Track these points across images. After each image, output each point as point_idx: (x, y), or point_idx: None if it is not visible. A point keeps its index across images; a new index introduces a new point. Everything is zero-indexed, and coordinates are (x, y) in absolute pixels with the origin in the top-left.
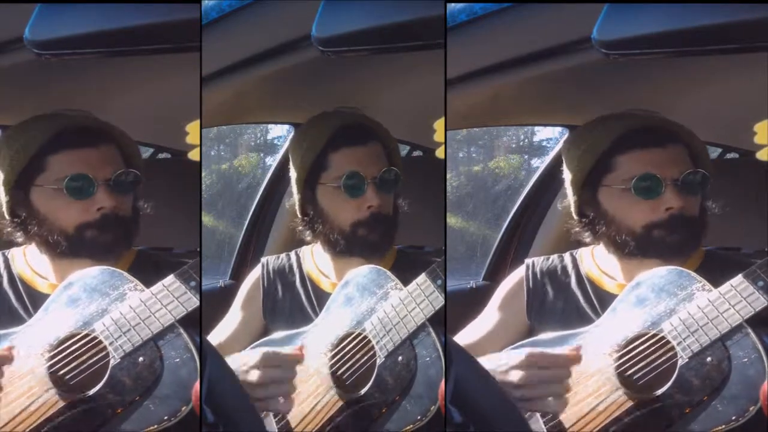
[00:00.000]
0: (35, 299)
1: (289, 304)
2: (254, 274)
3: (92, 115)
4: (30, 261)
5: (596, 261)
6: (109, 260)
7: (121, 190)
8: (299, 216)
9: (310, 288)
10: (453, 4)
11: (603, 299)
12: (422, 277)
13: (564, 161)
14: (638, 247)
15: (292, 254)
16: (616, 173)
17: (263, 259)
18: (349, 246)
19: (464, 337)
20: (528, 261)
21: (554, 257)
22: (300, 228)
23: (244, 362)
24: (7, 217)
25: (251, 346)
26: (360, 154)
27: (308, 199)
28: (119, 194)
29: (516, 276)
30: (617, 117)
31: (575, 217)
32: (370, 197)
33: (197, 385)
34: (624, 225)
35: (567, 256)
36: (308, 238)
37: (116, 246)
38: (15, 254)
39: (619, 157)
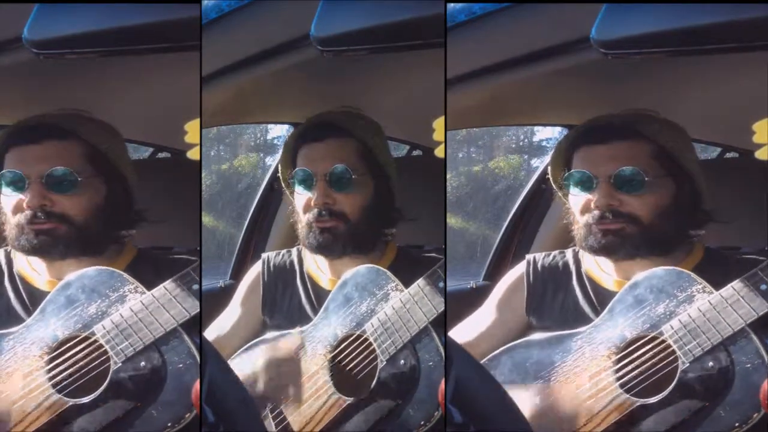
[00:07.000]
0: (34, 296)
1: (289, 300)
2: (254, 270)
3: (66, 111)
4: (29, 258)
5: (596, 258)
6: (92, 258)
7: (59, 189)
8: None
9: (309, 285)
10: (453, 4)
11: (602, 297)
12: (423, 280)
13: None
14: (588, 246)
15: (293, 251)
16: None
17: (264, 255)
18: (310, 245)
19: (461, 335)
20: (529, 257)
21: (555, 253)
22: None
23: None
24: None
25: (247, 345)
26: (314, 151)
27: (288, 198)
28: (55, 192)
29: (516, 272)
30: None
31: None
32: (317, 194)
33: (197, 384)
34: (576, 222)
35: (569, 252)
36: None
37: (50, 247)
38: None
39: (574, 154)
